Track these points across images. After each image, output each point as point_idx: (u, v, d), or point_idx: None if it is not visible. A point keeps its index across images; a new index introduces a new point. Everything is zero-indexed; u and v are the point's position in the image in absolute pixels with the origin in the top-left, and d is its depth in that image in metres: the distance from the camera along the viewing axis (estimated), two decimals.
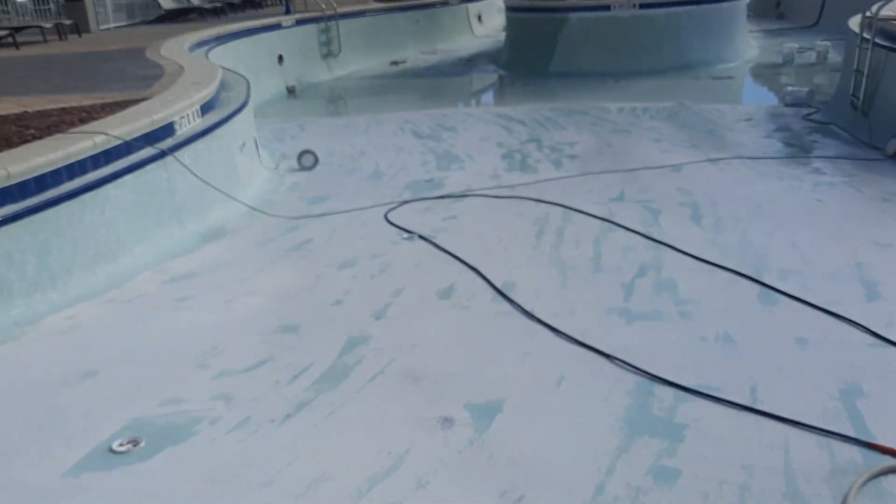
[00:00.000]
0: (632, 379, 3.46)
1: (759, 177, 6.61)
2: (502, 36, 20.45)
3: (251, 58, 13.66)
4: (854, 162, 7.01)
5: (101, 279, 4.62)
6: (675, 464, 2.86)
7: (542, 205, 6.12)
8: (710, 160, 7.27)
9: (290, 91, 14.50)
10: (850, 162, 7.02)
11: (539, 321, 4.07)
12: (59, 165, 4.65)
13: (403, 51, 18.03)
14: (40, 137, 5.09)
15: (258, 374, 3.67)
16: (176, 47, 11.23)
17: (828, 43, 13.78)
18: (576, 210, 5.89)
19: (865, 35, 8.03)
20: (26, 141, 5.00)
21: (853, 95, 8.25)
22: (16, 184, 4.34)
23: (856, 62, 8.16)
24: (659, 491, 2.72)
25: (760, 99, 11.63)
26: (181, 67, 8.34)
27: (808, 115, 9.29)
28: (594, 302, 4.31)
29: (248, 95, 7.47)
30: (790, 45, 14.04)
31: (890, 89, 7.60)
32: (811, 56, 13.94)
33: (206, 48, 12.43)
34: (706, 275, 4.62)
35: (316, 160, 7.85)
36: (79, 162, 4.83)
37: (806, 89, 10.18)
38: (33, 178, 4.47)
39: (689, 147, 8.00)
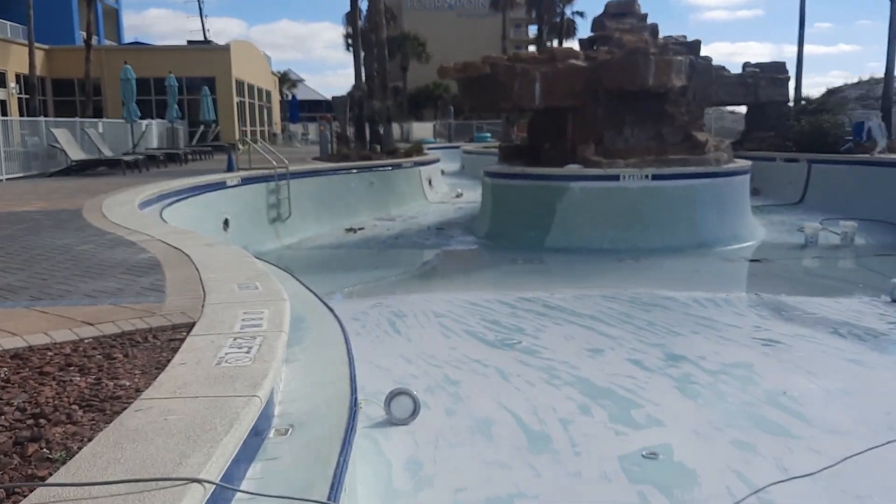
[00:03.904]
0: None
1: None
2: (459, 202, 18.11)
3: (197, 222, 10.28)
4: None
5: None
6: None
7: None
8: None
9: None
10: None
11: None
12: None
13: (357, 216, 15.15)
14: (19, 495, 1.70)
15: None
16: (123, 210, 7.81)
17: (853, 223, 12.17)
18: None
19: None
20: None
21: None
22: None
23: None
24: None
25: (844, 290, 9.52)
26: (180, 251, 5.02)
27: None
28: None
29: (341, 324, 4.22)
30: (812, 224, 12.35)
31: None
32: (833, 237, 12.29)
33: (150, 210, 9.08)
34: None
35: (416, 407, 4.63)
36: None
37: None
38: None
39: None
